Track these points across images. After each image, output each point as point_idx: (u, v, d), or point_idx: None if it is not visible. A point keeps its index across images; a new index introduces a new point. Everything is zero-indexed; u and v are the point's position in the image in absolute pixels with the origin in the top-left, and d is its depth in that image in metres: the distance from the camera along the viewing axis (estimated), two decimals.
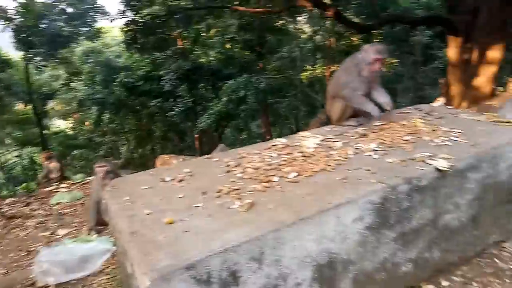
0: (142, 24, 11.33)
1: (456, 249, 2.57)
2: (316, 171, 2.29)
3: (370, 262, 2.18)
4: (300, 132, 2.90)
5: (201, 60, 23.17)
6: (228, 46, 19.49)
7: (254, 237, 1.76)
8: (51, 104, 27.48)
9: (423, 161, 2.30)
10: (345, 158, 2.44)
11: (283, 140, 2.75)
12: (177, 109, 20.24)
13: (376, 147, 2.52)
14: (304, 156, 2.47)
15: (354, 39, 17.66)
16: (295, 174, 2.25)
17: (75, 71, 23.17)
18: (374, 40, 19.15)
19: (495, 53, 9.64)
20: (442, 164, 2.23)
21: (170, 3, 14.54)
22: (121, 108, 24.56)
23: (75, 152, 30.59)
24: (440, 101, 3.31)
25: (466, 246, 2.61)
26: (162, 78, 19.93)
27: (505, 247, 2.80)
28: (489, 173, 2.48)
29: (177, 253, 1.64)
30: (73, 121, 31.16)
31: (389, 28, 16.80)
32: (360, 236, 2.10)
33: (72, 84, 24.65)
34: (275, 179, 2.21)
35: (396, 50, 20.23)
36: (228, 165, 2.41)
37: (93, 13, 17.25)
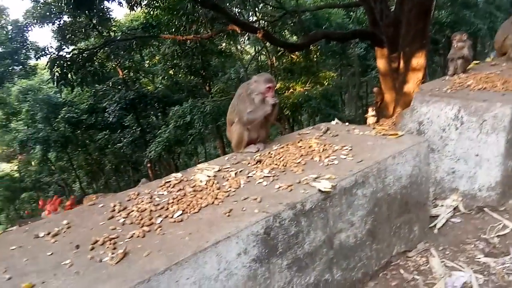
0: (69, 59, 11.00)
1: (358, 266, 2.58)
2: (203, 206, 2.23)
3: None
4: (198, 164, 2.84)
5: (148, 88, 22.88)
6: (171, 72, 19.38)
7: None
8: None
9: (308, 183, 2.30)
10: (236, 188, 2.41)
11: (178, 175, 2.68)
12: (125, 140, 19.74)
13: (268, 173, 2.51)
14: (195, 191, 2.41)
15: (294, 56, 18.16)
16: (180, 212, 2.18)
17: (13, 111, 22.04)
18: (315, 57, 19.88)
19: (419, 60, 10.21)
20: (325, 185, 2.25)
21: (105, 35, 14.32)
22: (67, 144, 23.64)
23: (24, 195, 28.87)
24: (336, 120, 3.38)
25: (369, 261, 2.64)
26: (107, 110, 19.44)
27: (410, 257, 2.86)
28: (378, 187, 2.54)
29: None
30: (18, 163, 29.47)
31: (325, 43, 17.48)
32: (247, 270, 2.04)
33: (12, 125, 23.42)
34: (158, 221, 2.12)
35: (335, 63, 21.11)
36: (113, 210, 2.30)
37: (25, 50, 16.56)
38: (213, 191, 2.39)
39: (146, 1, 13.31)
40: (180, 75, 20.35)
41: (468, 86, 3.67)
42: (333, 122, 3.40)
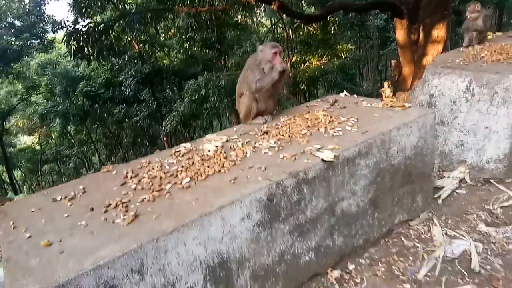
0: (85, 32, 11.09)
1: (360, 233, 2.67)
2: (210, 174, 2.33)
3: (266, 257, 2.25)
4: (207, 135, 2.93)
5: (164, 61, 22.90)
6: (186, 46, 19.31)
7: (131, 250, 1.78)
8: (12, 121, 26.67)
9: (311, 153, 2.37)
10: (242, 158, 2.49)
11: (187, 145, 2.78)
12: (141, 113, 20.01)
13: (273, 144, 2.58)
14: (203, 160, 2.51)
15: (311, 29, 17.80)
16: (188, 179, 2.29)
17: (33, 85, 22.50)
18: (332, 29, 19.44)
19: (439, 31, 9.92)
20: (328, 155, 2.31)
21: (120, 9, 14.31)
22: (86, 117, 24.08)
23: (45, 167, 29.74)
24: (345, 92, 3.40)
25: (370, 229, 2.72)
26: (123, 84, 19.63)
27: (412, 226, 2.93)
28: (381, 158, 2.59)
29: (46, 276, 1.64)
30: (38, 136, 30.31)
31: (343, 15, 17.04)
32: (251, 233, 2.16)
33: (32, 98, 23.97)
34: (168, 187, 2.24)
35: (353, 36, 20.60)
36: (126, 177, 2.43)
37: (42, 24, 16.74)
38: (220, 160, 2.48)
39: None
40: (195, 49, 20.26)
41: (482, 58, 3.61)
42: (342, 94, 3.42)
